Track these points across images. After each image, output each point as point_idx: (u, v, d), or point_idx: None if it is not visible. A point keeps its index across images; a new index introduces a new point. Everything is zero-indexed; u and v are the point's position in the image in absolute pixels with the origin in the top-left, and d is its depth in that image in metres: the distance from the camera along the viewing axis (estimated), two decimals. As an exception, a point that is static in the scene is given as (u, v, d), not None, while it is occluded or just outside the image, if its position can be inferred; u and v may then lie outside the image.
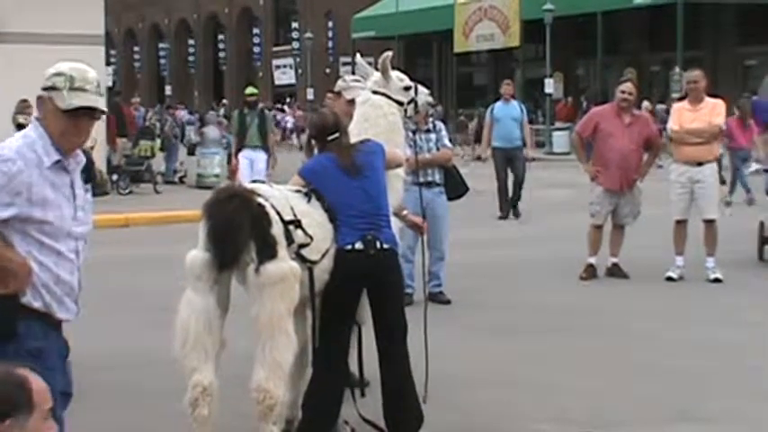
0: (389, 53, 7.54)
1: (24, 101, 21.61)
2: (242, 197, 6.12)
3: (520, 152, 19.64)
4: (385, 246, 6.58)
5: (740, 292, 12.01)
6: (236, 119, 20.33)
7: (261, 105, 20.98)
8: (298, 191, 6.56)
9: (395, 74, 7.52)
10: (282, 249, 6.09)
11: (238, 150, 19.69)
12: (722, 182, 19.52)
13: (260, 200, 6.13)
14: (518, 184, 19.75)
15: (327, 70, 58.81)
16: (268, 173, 18.37)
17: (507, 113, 19.49)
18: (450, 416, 7.22)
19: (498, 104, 19.84)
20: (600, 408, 7.54)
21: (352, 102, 7.81)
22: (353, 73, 8.25)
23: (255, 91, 20.90)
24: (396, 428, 6.66)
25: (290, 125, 50.83)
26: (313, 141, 6.92)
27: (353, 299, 6.60)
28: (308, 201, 6.49)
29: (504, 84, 20.36)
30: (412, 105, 7.60)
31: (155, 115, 31.89)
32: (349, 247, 6.51)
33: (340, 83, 8.43)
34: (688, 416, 7.37)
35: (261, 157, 19.27)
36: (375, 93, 7.43)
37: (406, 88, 7.52)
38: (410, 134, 10.12)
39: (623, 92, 12.85)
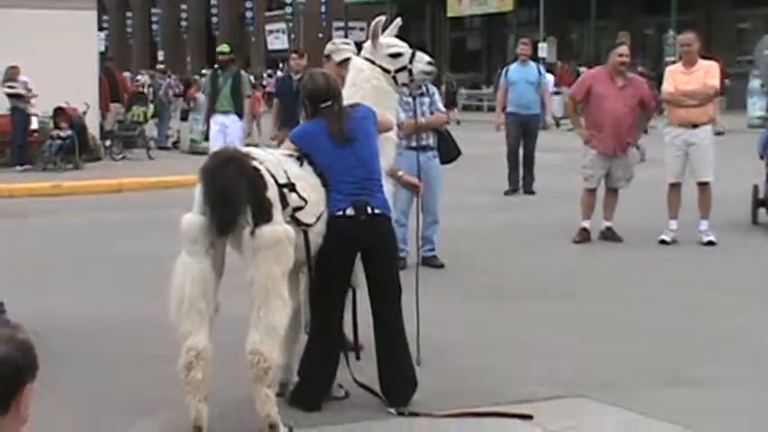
0: (381, 18, 7.49)
1: (13, 67, 21.56)
2: (239, 161, 6.11)
3: (536, 121, 17.85)
4: (377, 211, 6.59)
5: (733, 255, 12.05)
6: (208, 80, 18.61)
7: (236, 66, 18.88)
8: (290, 155, 6.57)
9: (386, 40, 7.45)
10: (278, 213, 6.10)
11: (209, 116, 17.81)
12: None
13: (255, 163, 6.13)
14: (528, 161, 17.85)
15: (320, 35, 58.55)
16: (245, 143, 16.04)
17: (523, 76, 17.55)
18: (444, 379, 7.24)
19: (514, 66, 17.89)
20: (591, 370, 7.57)
21: (341, 64, 7.81)
22: (346, 37, 8.21)
23: (227, 49, 18.52)
24: (390, 392, 6.69)
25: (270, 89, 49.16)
26: (306, 104, 6.91)
27: (347, 264, 6.62)
28: (301, 164, 6.50)
29: (521, 42, 18.29)
30: (405, 73, 7.41)
31: (172, 84, 31.52)
32: (340, 213, 6.52)
33: (329, 46, 8.42)
34: (678, 379, 7.39)
35: (234, 122, 17.41)
36: (364, 58, 7.42)
37: (394, 55, 7.41)
38: (409, 99, 10.14)
39: (621, 55, 12.83)
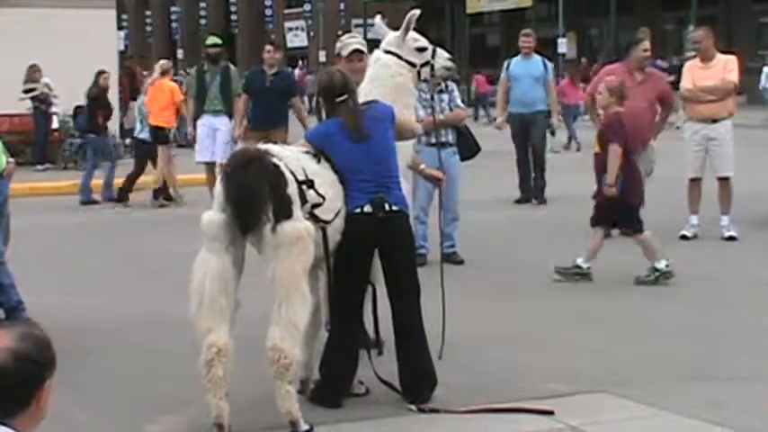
0: (417, 11, 7.47)
1: (33, 66, 21.63)
2: (259, 161, 6.11)
3: (541, 118, 16.23)
4: (394, 207, 6.60)
5: (754, 250, 11.99)
6: (194, 77, 16.31)
7: (225, 62, 16.67)
8: (307, 151, 6.56)
9: (411, 34, 7.47)
10: (297, 209, 6.11)
11: (197, 116, 15.78)
12: (552, 133, 19.89)
13: (275, 160, 6.14)
14: (538, 163, 16.28)
15: (339, 32, 58.56)
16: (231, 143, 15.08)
17: (526, 71, 15.82)
18: (464, 376, 7.24)
19: (516, 60, 16.05)
20: (613, 366, 7.55)
21: (349, 57, 7.77)
22: (365, 35, 8.17)
23: (218, 41, 16.42)
24: (410, 389, 6.68)
25: None
26: (321, 101, 6.90)
27: (365, 261, 6.63)
28: (318, 161, 6.50)
29: (522, 35, 16.28)
30: (428, 68, 7.48)
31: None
32: (358, 210, 6.52)
33: (337, 44, 8.23)
34: (700, 375, 7.37)
35: (224, 124, 15.43)
36: (387, 52, 7.40)
37: (420, 49, 7.45)
38: (427, 96, 10.15)
39: (646, 49, 12.79)
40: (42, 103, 21.82)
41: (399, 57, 7.36)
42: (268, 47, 15.09)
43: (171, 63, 18.53)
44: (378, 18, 8.16)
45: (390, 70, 7.30)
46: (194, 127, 15.84)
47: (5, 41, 21.27)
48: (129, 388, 7.22)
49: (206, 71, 15.86)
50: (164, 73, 17.55)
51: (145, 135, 17.33)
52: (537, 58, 15.97)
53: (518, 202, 16.15)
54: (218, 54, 16.05)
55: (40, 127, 21.98)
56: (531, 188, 16.24)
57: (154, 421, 6.50)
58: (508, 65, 16.13)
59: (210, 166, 15.50)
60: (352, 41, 8.02)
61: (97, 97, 18.26)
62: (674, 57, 39.42)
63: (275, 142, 7.35)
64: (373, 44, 7.82)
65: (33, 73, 21.73)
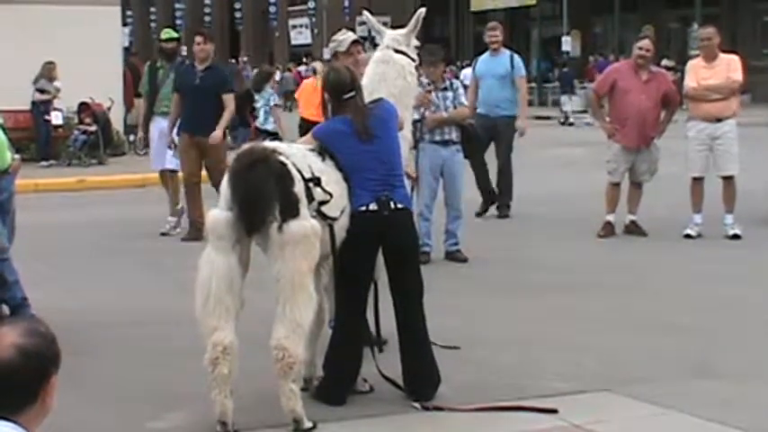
0: (423, 10, 7.51)
1: (50, 63, 21.62)
2: (265, 162, 6.09)
3: (505, 124, 14.22)
4: (399, 205, 6.60)
5: (759, 248, 11.98)
6: (146, 74, 14.33)
7: (182, 58, 14.71)
8: (312, 149, 6.56)
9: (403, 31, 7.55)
10: (304, 208, 6.11)
11: (148, 119, 13.97)
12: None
13: (281, 158, 6.13)
14: (503, 175, 14.39)
15: (343, 30, 58.58)
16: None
17: (491, 69, 14.37)
18: (467, 374, 7.24)
19: (483, 57, 14.67)
20: (617, 364, 7.55)
21: (350, 51, 7.74)
22: (369, 33, 8.18)
23: (175, 35, 14.47)
24: (414, 387, 6.69)
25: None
26: (327, 97, 6.87)
27: (369, 259, 6.63)
28: (323, 159, 6.49)
29: (488, 28, 14.71)
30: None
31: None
32: (363, 208, 6.53)
33: (331, 45, 8.06)
34: (704, 373, 7.36)
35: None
36: (397, 51, 7.42)
37: (416, 47, 7.60)
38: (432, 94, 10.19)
39: (641, 48, 12.81)
40: (42, 103, 21.86)
41: (409, 56, 7.43)
42: (198, 38, 13.07)
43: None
44: (366, 13, 8.13)
45: (404, 70, 7.38)
46: (145, 130, 14.13)
47: (10, 38, 21.27)
48: (133, 385, 7.22)
49: (159, 68, 14.04)
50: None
51: (269, 126, 17.12)
52: (505, 54, 14.48)
53: (478, 215, 14.27)
54: (174, 50, 14.32)
55: (40, 124, 22.01)
56: (488, 200, 14.43)
57: (157, 418, 6.50)
58: (475, 63, 14.93)
59: (165, 173, 14.00)
60: (347, 35, 8.00)
61: (245, 93, 19.72)
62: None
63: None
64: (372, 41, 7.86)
65: (50, 71, 21.73)
